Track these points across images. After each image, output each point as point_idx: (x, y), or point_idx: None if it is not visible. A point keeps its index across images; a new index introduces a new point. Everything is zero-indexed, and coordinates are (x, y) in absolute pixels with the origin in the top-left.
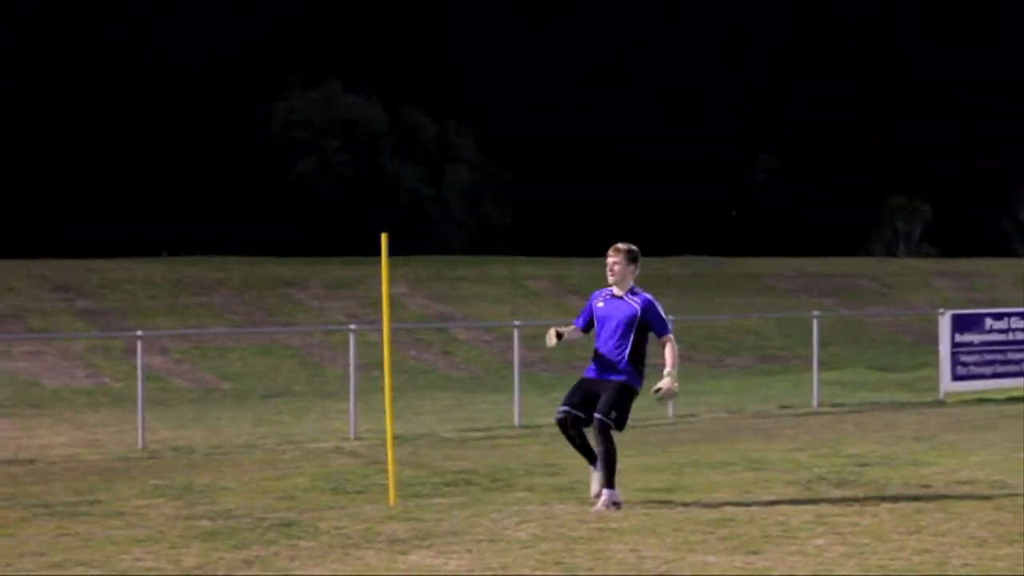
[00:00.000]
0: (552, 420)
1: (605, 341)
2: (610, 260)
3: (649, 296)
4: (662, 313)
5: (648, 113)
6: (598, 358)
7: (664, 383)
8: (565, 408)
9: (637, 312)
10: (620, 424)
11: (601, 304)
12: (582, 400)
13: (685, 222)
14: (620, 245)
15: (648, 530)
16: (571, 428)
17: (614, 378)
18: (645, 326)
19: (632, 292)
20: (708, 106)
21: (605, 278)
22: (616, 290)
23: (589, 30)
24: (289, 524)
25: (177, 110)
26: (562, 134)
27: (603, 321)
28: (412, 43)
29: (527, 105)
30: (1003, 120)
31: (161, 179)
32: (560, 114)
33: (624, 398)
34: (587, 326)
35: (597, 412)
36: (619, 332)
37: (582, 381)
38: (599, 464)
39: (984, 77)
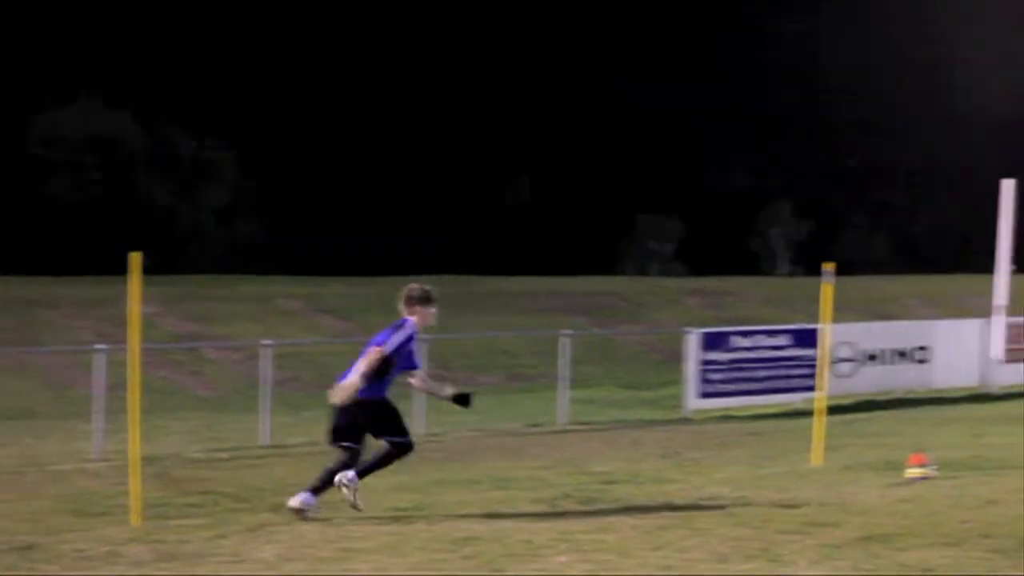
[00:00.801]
0: (301, 441)
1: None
2: (433, 314)
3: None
4: None
5: (403, 134)
6: (387, 384)
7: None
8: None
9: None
10: None
11: (412, 347)
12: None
13: (439, 241)
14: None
15: (393, 549)
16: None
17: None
18: None
19: None
20: (461, 127)
21: (359, 297)
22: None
23: (346, 51)
24: (30, 547)
25: None
26: (317, 153)
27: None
28: (170, 60)
29: (283, 124)
30: (752, 140)
31: None
32: (315, 134)
33: None
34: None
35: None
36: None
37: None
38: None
39: (722, 100)
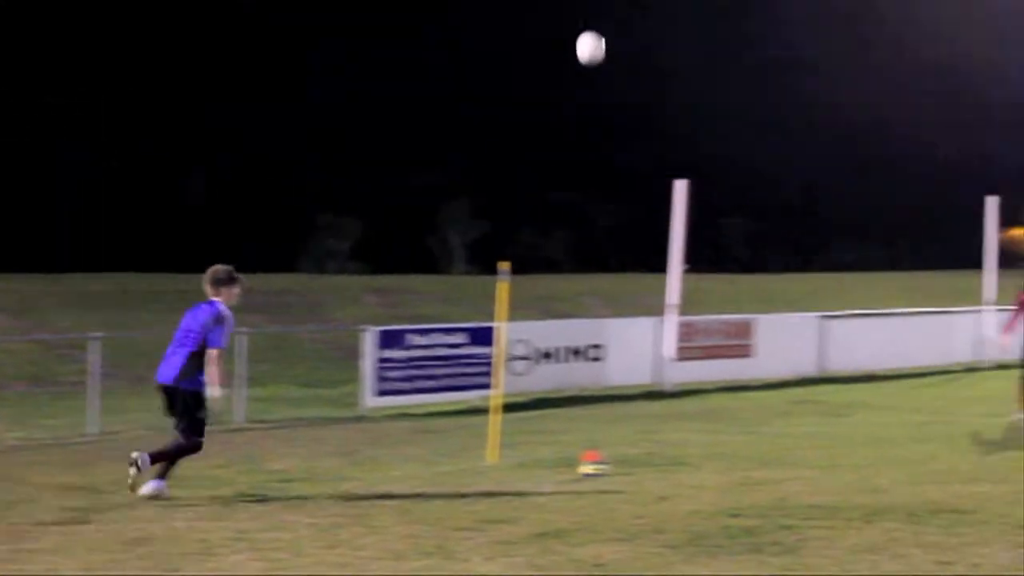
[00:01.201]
0: None
1: None
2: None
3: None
4: None
5: (77, 125)
6: None
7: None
8: None
9: None
10: None
11: None
12: None
13: (120, 238)
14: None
15: (65, 550)
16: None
17: None
18: None
19: None
20: (135, 122)
21: (30, 294)
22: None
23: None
24: None
25: None
26: None
27: None
28: None
29: None
30: (429, 141)
31: None
32: None
33: None
34: None
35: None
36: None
37: None
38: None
39: (401, 100)
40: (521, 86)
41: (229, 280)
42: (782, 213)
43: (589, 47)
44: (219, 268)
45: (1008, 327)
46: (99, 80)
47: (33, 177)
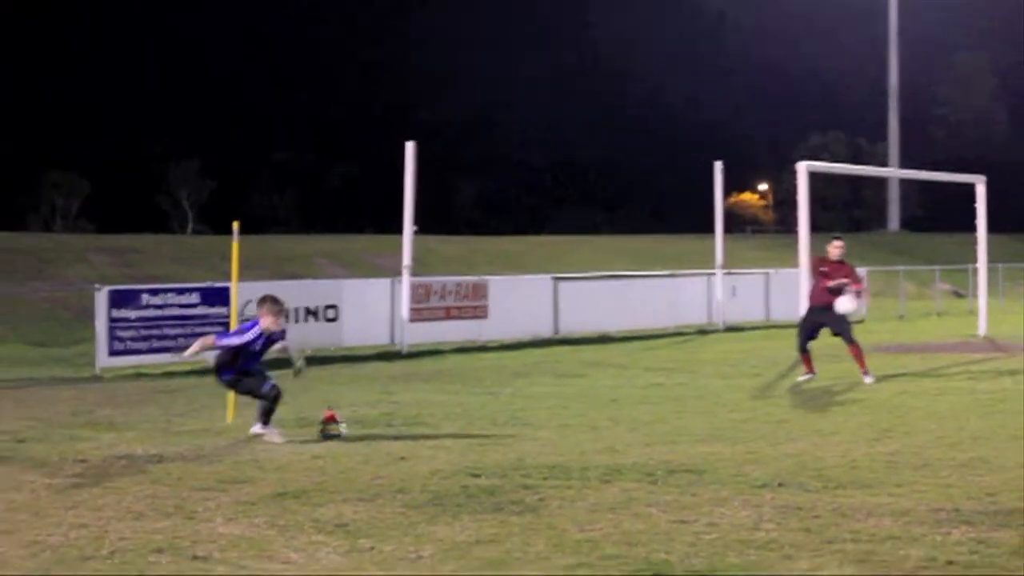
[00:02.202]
0: None
1: (252, 363)
2: (277, 320)
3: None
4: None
5: None
6: (241, 371)
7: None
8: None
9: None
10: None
11: (259, 347)
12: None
13: None
14: (281, 301)
15: None
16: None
17: None
18: None
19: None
20: None
21: None
22: (272, 329)
23: None
24: None
25: None
26: None
27: (254, 355)
28: None
29: None
30: (158, 99)
31: None
32: None
33: None
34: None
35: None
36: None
37: (232, 382)
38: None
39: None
40: (251, 45)
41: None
42: (513, 177)
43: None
44: (266, 295)
45: (811, 292)
46: None
47: None
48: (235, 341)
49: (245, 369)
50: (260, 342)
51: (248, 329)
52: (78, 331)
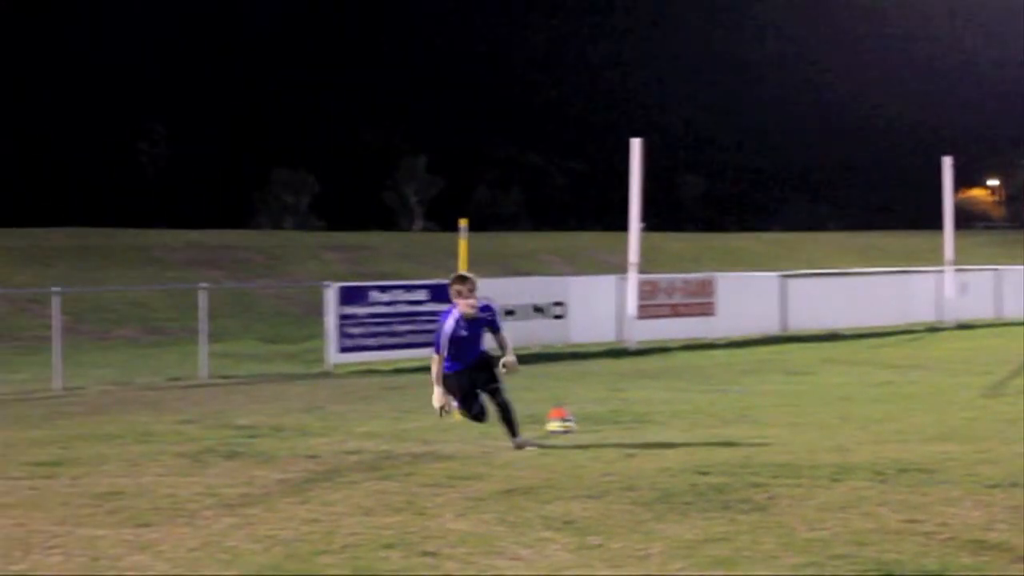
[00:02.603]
0: None
1: (472, 350)
2: (469, 300)
3: (490, 305)
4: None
5: (37, 84)
6: (465, 361)
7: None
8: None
9: (486, 324)
10: None
11: (465, 333)
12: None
13: (73, 192)
14: (470, 277)
15: (34, 504)
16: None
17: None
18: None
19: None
20: (96, 75)
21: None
22: (471, 314)
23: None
24: None
25: None
26: None
27: (466, 344)
28: None
29: None
30: (386, 96)
31: None
32: None
33: None
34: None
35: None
36: (480, 342)
37: (460, 377)
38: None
39: (358, 57)
40: (478, 43)
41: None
42: (738, 173)
43: None
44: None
45: None
46: (59, 39)
47: None
48: (439, 339)
49: (466, 361)
50: (463, 328)
51: (443, 319)
52: (308, 328)
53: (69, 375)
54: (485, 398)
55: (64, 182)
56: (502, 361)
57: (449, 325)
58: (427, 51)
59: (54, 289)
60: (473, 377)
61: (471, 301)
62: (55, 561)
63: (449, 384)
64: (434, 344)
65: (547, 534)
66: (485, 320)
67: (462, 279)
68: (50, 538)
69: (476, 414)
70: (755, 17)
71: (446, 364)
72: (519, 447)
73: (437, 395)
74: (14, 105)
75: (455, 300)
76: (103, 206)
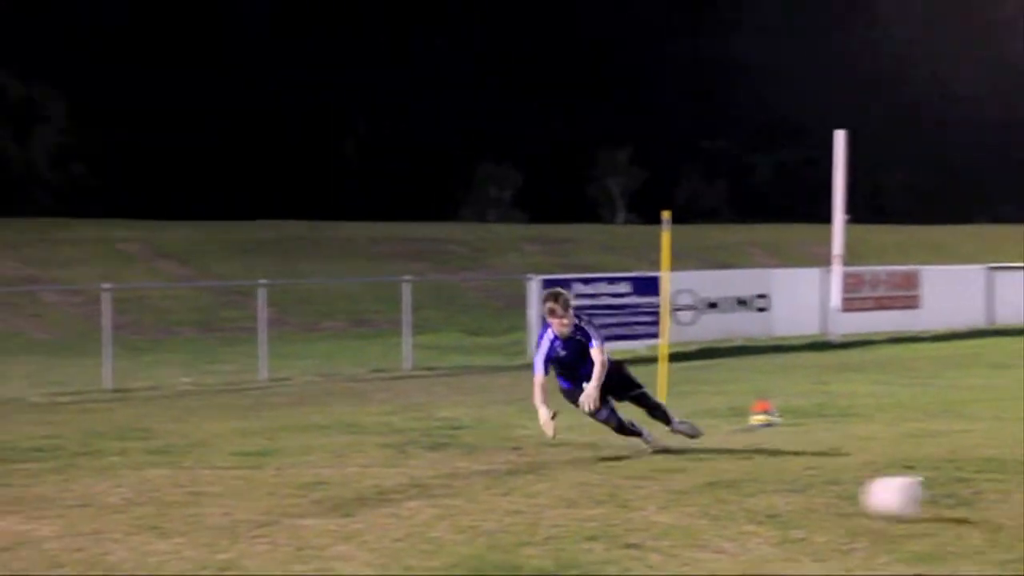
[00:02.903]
0: (145, 386)
1: (581, 366)
2: (562, 320)
3: (582, 326)
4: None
5: (237, 82)
6: (576, 379)
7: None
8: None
9: (588, 346)
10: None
11: (564, 353)
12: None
13: (279, 186)
14: (562, 294)
15: (241, 494)
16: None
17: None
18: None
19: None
20: (296, 73)
21: (199, 242)
22: (565, 333)
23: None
24: None
25: None
26: (152, 96)
27: (568, 362)
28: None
29: (116, 69)
30: (589, 85)
31: None
32: (149, 80)
33: None
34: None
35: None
36: (586, 362)
37: (573, 394)
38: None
39: (562, 50)
40: (679, 34)
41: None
42: (944, 164)
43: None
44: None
45: None
46: (265, 35)
47: (196, 128)
48: (536, 360)
49: (578, 377)
50: (559, 347)
51: (539, 340)
52: (510, 320)
53: (275, 366)
54: (618, 404)
55: (271, 175)
56: (579, 399)
57: (544, 347)
58: (627, 46)
59: (260, 281)
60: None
61: (564, 320)
62: (261, 550)
63: (572, 397)
64: (533, 368)
65: (750, 527)
66: (582, 337)
67: (554, 296)
68: (256, 527)
69: (604, 420)
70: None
71: (561, 381)
72: (677, 432)
73: (542, 416)
74: (222, 99)
75: (548, 319)
76: (309, 199)
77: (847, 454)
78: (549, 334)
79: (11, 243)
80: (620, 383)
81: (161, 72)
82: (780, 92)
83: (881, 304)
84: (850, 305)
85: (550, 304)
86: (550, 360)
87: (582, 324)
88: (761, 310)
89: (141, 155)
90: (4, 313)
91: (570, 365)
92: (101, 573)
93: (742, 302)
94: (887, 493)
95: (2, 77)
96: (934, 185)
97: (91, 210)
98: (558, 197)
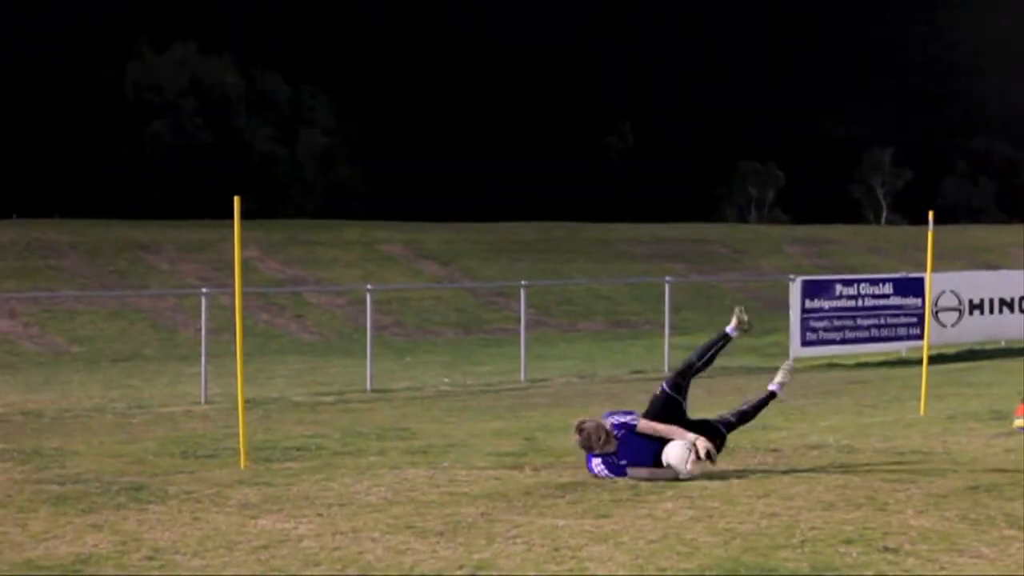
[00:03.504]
0: (405, 386)
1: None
2: (601, 449)
3: (618, 436)
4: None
5: (504, 81)
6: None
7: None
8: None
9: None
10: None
11: (623, 461)
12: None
13: (540, 188)
14: (584, 430)
15: (499, 494)
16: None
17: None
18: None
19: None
20: (562, 75)
21: (460, 243)
22: (611, 451)
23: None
24: (139, 488)
25: (26, 70)
26: (419, 100)
27: (631, 458)
28: (267, 5)
29: (382, 71)
30: (852, 87)
31: (11, 141)
32: (417, 81)
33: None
34: None
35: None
36: (651, 443)
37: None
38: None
39: (823, 45)
40: (943, 30)
41: None
42: None
43: None
44: None
45: None
46: (526, 41)
47: (456, 130)
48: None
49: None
50: (608, 467)
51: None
52: (770, 321)
53: (534, 367)
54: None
55: (533, 177)
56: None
57: (595, 470)
58: (893, 44)
59: (522, 283)
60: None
61: (606, 448)
62: (517, 550)
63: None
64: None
65: (1011, 532)
66: (629, 437)
67: (579, 432)
68: (512, 527)
69: (727, 429)
70: None
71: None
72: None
73: (700, 442)
74: (482, 102)
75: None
76: (569, 200)
77: None
78: (595, 463)
79: (276, 244)
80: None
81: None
82: None
83: None
84: None
85: (581, 441)
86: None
87: (618, 435)
88: None
89: (407, 157)
90: (269, 313)
91: (636, 459)
92: (356, 572)
93: (1006, 303)
94: None
95: (270, 79)
96: None
97: (354, 212)
98: (820, 197)
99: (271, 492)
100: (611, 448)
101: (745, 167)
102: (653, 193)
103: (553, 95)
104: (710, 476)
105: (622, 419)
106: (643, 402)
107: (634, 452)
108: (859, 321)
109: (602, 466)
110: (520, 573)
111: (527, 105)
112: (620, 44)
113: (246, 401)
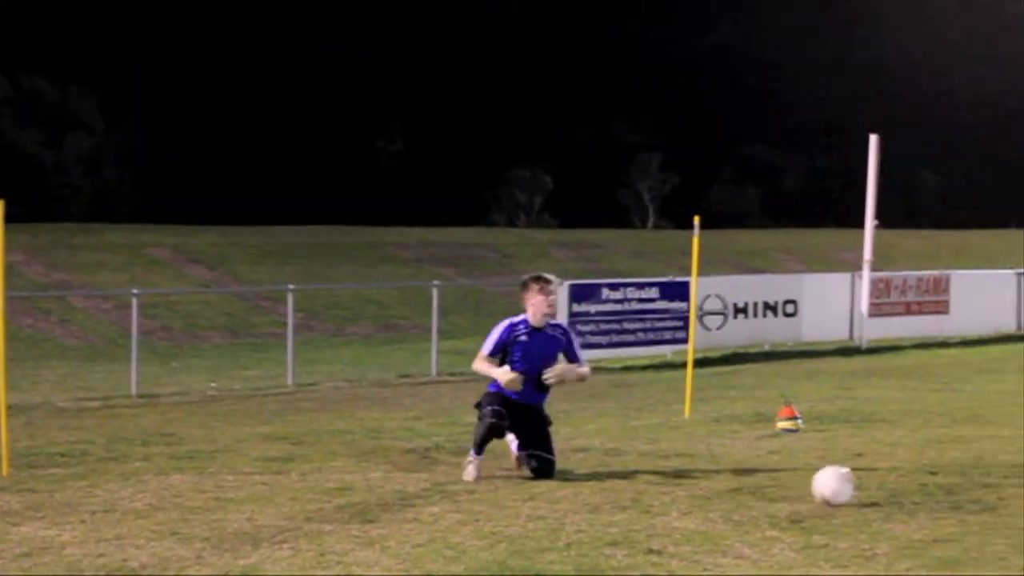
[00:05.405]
0: (171, 391)
1: (536, 365)
2: (551, 298)
3: (565, 326)
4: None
5: (272, 84)
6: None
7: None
8: (498, 413)
9: (562, 345)
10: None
11: (525, 338)
12: (512, 420)
13: (308, 190)
14: (553, 279)
15: (265, 499)
16: (498, 432)
17: (536, 403)
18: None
19: (551, 325)
20: (331, 77)
21: (228, 247)
22: (535, 323)
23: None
24: None
25: None
26: (187, 102)
27: (527, 352)
28: (31, 6)
29: (150, 72)
30: (621, 91)
31: None
32: (184, 83)
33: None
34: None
35: (548, 455)
36: (545, 363)
37: (502, 398)
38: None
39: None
40: (712, 40)
41: (523, 285)
42: (974, 169)
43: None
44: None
45: None
46: (298, 43)
47: (226, 132)
48: (488, 341)
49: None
50: (524, 330)
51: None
52: None
53: (302, 371)
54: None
55: (299, 181)
56: (552, 370)
57: (501, 329)
58: (657, 50)
59: (289, 286)
60: (521, 414)
61: (552, 298)
62: (283, 555)
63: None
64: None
65: (773, 533)
66: (556, 338)
67: (545, 279)
68: (279, 532)
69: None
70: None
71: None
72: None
73: (503, 374)
74: (252, 104)
75: (536, 298)
76: (338, 204)
77: (871, 460)
78: (514, 319)
79: (41, 248)
80: (537, 431)
81: (199, 78)
82: (814, 97)
83: (910, 309)
84: (878, 310)
85: (541, 284)
86: (504, 343)
87: (566, 327)
88: (789, 315)
89: (174, 161)
90: (33, 318)
91: (526, 356)
92: None
93: (770, 307)
94: (825, 481)
95: (36, 81)
96: (967, 189)
97: (121, 215)
98: (588, 202)
99: (34, 499)
100: (552, 308)
101: (514, 173)
102: (422, 198)
103: (321, 98)
104: (476, 480)
105: (571, 333)
106: (412, 405)
107: (536, 345)
108: (625, 325)
109: (509, 326)
110: None
111: (296, 107)
112: (389, 47)
113: (9, 407)
